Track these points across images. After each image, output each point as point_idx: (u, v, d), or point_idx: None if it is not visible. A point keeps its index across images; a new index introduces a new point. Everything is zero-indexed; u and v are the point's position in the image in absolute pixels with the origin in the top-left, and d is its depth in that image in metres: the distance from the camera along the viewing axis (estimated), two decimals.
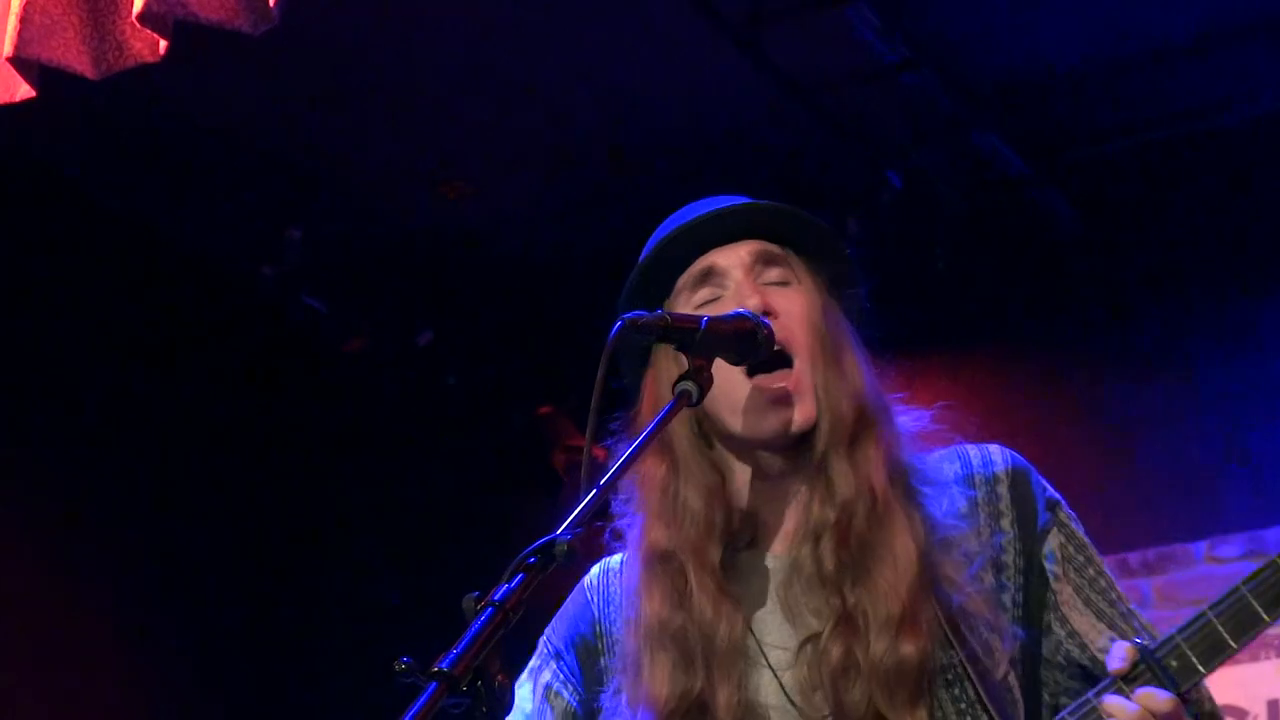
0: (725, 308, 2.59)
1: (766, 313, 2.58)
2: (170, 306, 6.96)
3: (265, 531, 7.30)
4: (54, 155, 6.48)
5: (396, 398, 7.53)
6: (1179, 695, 2.41)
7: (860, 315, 2.73)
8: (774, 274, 2.67)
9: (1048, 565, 2.64)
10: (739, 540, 2.64)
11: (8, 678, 6.29)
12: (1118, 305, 6.78)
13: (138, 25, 3.92)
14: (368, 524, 7.61)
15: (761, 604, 2.60)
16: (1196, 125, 6.40)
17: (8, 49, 3.92)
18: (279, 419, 7.39)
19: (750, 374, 2.57)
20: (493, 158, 6.60)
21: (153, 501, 6.90)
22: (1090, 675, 2.60)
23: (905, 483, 2.61)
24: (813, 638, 2.55)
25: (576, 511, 2.21)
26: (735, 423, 2.61)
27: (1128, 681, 2.44)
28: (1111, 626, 2.63)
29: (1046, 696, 2.64)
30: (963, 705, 2.53)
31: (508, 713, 2.05)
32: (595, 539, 2.66)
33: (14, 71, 4.01)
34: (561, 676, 2.70)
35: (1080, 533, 2.70)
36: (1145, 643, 2.46)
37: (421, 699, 1.96)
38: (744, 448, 2.64)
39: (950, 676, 2.53)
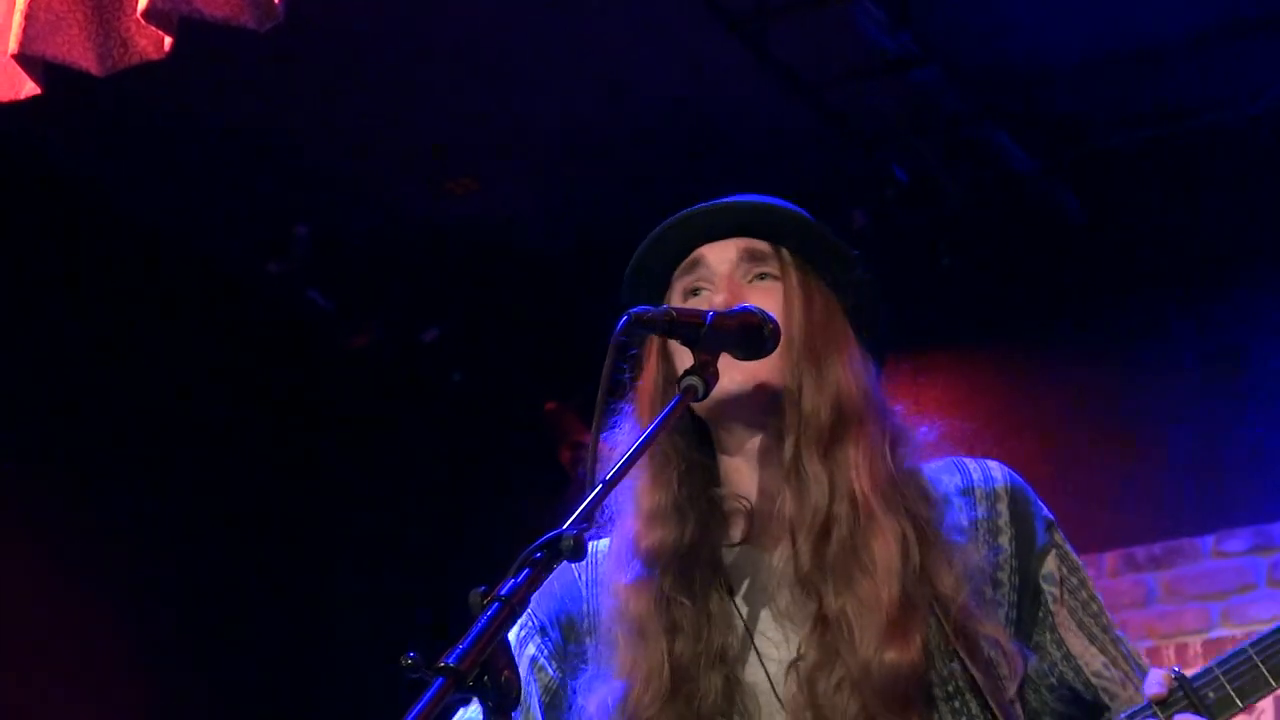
0: (703, 301, 2.64)
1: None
2: (175, 303, 6.96)
3: (269, 528, 7.31)
4: (58, 153, 6.48)
5: (402, 394, 7.54)
6: None
7: (868, 320, 2.72)
8: (758, 270, 2.68)
9: (1045, 586, 2.64)
10: (729, 536, 2.64)
11: (17, 681, 6.29)
12: (1123, 300, 6.77)
13: (143, 22, 3.92)
14: (373, 520, 7.62)
15: (752, 602, 2.60)
16: (1202, 120, 6.40)
17: (13, 46, 3.92)
18: (284, 415, 7.40)
19: None
20: (498, 154, 6.60)
21: (157, 499, 6.90)
22: (1080, 699, 2.61)
23: (897, 490, 2.58)
24: (801, 657, 2.54)
25: (582, 507, 2.21)
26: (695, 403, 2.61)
27: (1164, 707, 2.45)
28: (1103, 651, 2.63)
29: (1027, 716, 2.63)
30: (964, 719, 2.52)
31: (514, 707, 2.05)
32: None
33: (19, 69, 4.01)
34: (546, 651, 2.68)
35: (1074, 555, 2.70)
36: (1183, 671, 2.48)
37: (428, 694, 1.96)
38: (721, 426, 2.65)
39: (951, 689, 2.52)
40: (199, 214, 6.83)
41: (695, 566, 2.59)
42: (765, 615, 2.59)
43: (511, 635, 2.62)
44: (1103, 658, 2.62)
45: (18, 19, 3.90)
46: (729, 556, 2.63)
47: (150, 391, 6.89)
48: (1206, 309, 6.64)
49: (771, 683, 2.54)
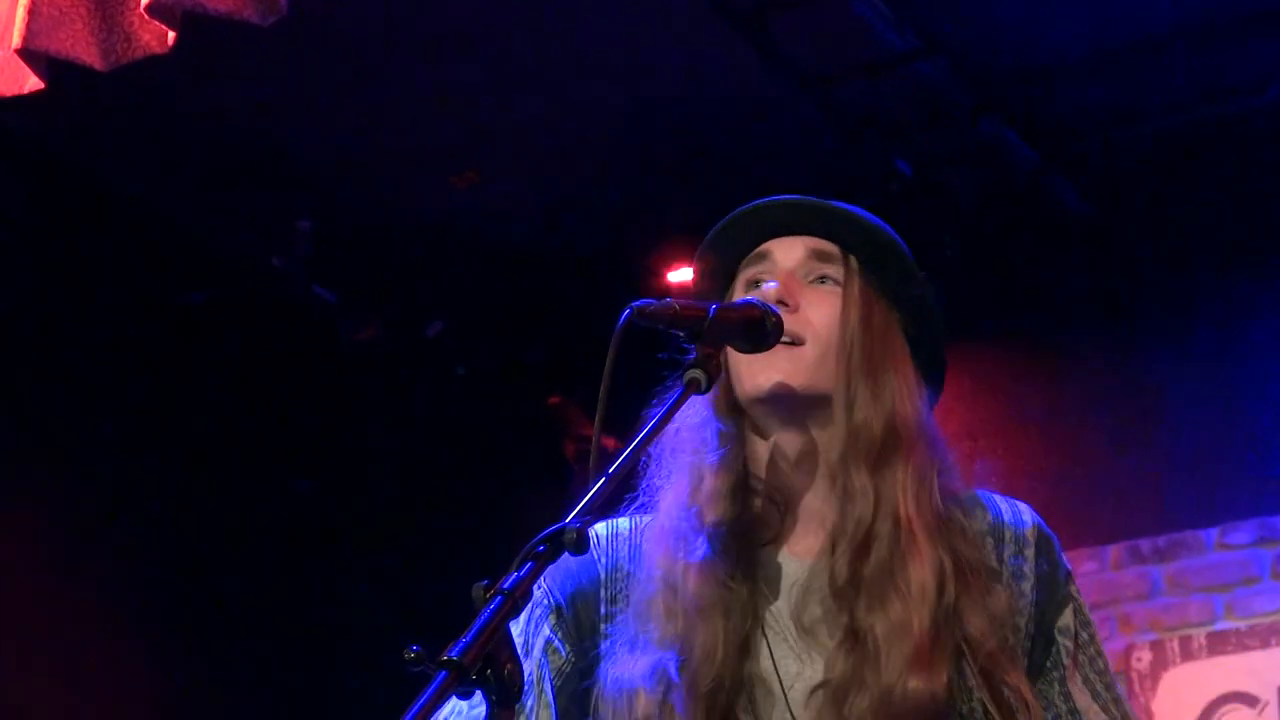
0: (759, 293, 2.63)
1: (782, 302, 2.59)
2: (178, 297, 6.97)
3: (273, 523, 7.31)
4: (61, 147, 6.48)
5: (406, 388, 7.54)
6: None
7: (928, 344, 2.71)
8: (821, 272, 2.67)
9: (1060, 639, 2.61)
10: (763, 535, 2.62)
11: (19, 680, 6.30)
12: (1127, 293, 6.77)
13: (146, 17, 3.93)
14: (376, 515, 7.62)
15: (774, 606, 2.59)
16: (1207, 112, 6.40)
17: (16, 41, 3.92)
18: (288, 409, 7.40)
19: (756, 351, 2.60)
20: (502, 148, 6.60)
21: (160, 493, 6.91)
22: None
23: (940, 522, 2.57)
24: (820, 653, 2.54)
25: (585, 500, 2.21)
26: (739, 389, 2.62)
27: None
28: (1105, 710, 2.60)
29: None
30: None
31: (517, 700, 2.05)
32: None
33: (22, 64, 4.02)
34: (561, 632, 2.65)
35: (1087, 610, 2.68)
36: None
37: (430, 687, 1.96)
38: (758, 420, 2.64)
39: None
40: (202, 208, 6.83)
41: (744, 554, 2.59)
42: (788, 622, 2.58)
43: (530, 605, 2.59)
44: (1104, 716, 2.60)
45: (21, 14, 3.91)
46: (761, 554, 2.62)
47: (153, 386, 6.90)
48: (1211, 301, 6.64)
49: (784, 692, 2.53)
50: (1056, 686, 2.60)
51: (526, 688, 2.57)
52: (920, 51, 6.04)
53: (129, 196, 6.74)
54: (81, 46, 3.96)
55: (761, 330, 2.51)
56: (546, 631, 2.66)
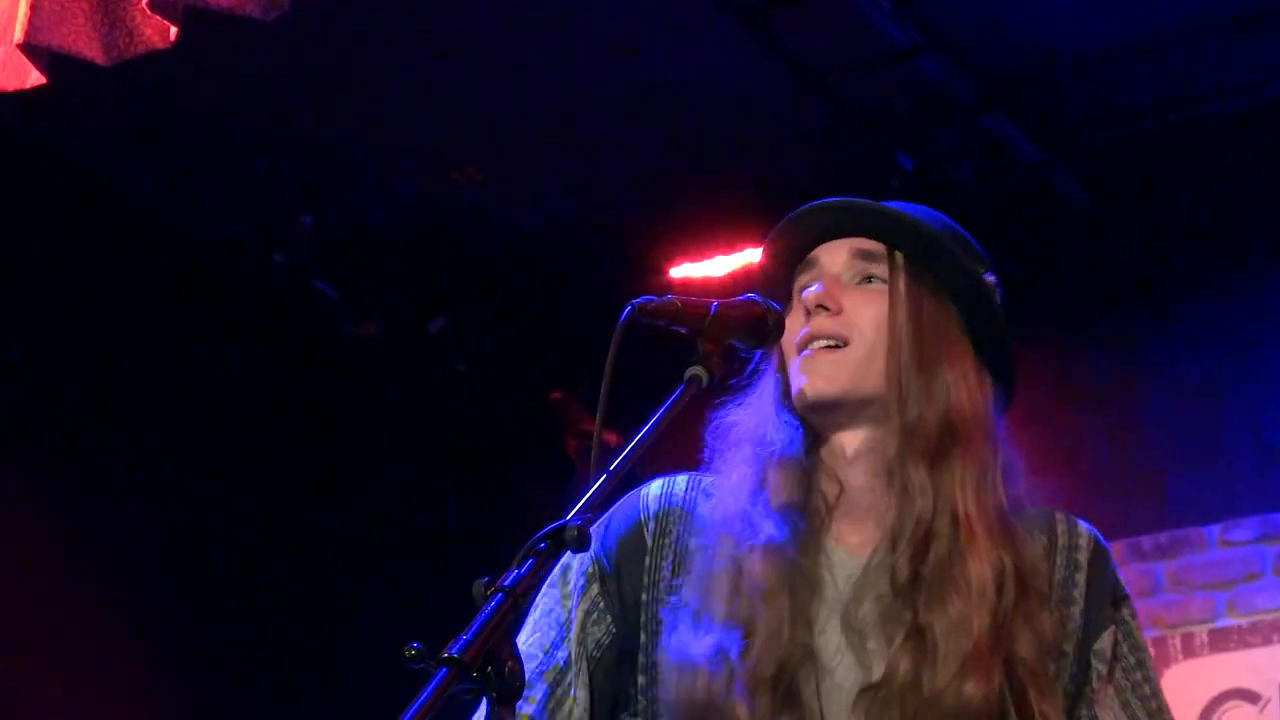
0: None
1: (822, 306, 2.61)
2: (180, 293, 6.96)
3: (273, 518, 7.31)
4: (63, 142, 6.48)
5: (407, 384, 7.54)
6: None
7: (989, 336, 2.68)
8: (866, 272, 2.67)
9: (1095, 662, 2.58)
10: (817, 526, 2.61)
11: (26, 680, 6.30)
12: (1131, 290, 6.77)
13: (148, 12, 3.93)
14: (377, 509, 7.62)
15: (824, 599, 2.57)
16: (1211, 109, 6.39)
17: (18, 36, 3.93)
18: (289, 405, 7.40)
19: (799, 352, 2.62)
20: (504, 144, 6.60)
21: (161, 488, 6.90)
22: None
23: (1002, 522, 2.55)
24: (871, 648, 2.52)
25: (587, 497, 2.21)
26: (797, 402, 2.63)
27: None
28: None
29: None
30: None
31: (518, 698, 2.05)
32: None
33: (24, 59, 4.02)
34: (605, 601, 2.64)
35: (1138, 633, 2.64)
36: None
37: (431, 685, 1.96)
38: (811, 421, 2.64)
39: None
40: (204, 204, 6.83)
41: (812, 528, 2.59)
42: (834, 618, 2.56)
43: (574, 566, 2.64)
44: None
45: (23, 9, 3.91)
46: (818, 547, 2.61)
47: (155, 382, 6.89)
48: (1213, 298, 6.64)
49: (819, 693, 2.52)
50: (1084, 710, 2.57)
51: (565, 661, 2.61)
52: (922, 47, 6.03)
53: (130, 192, 6.74)
54: (84, 41, 3.97)
55: (763, 326, 2.52)
56: (587, 604, 2.64)
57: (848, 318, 2.62)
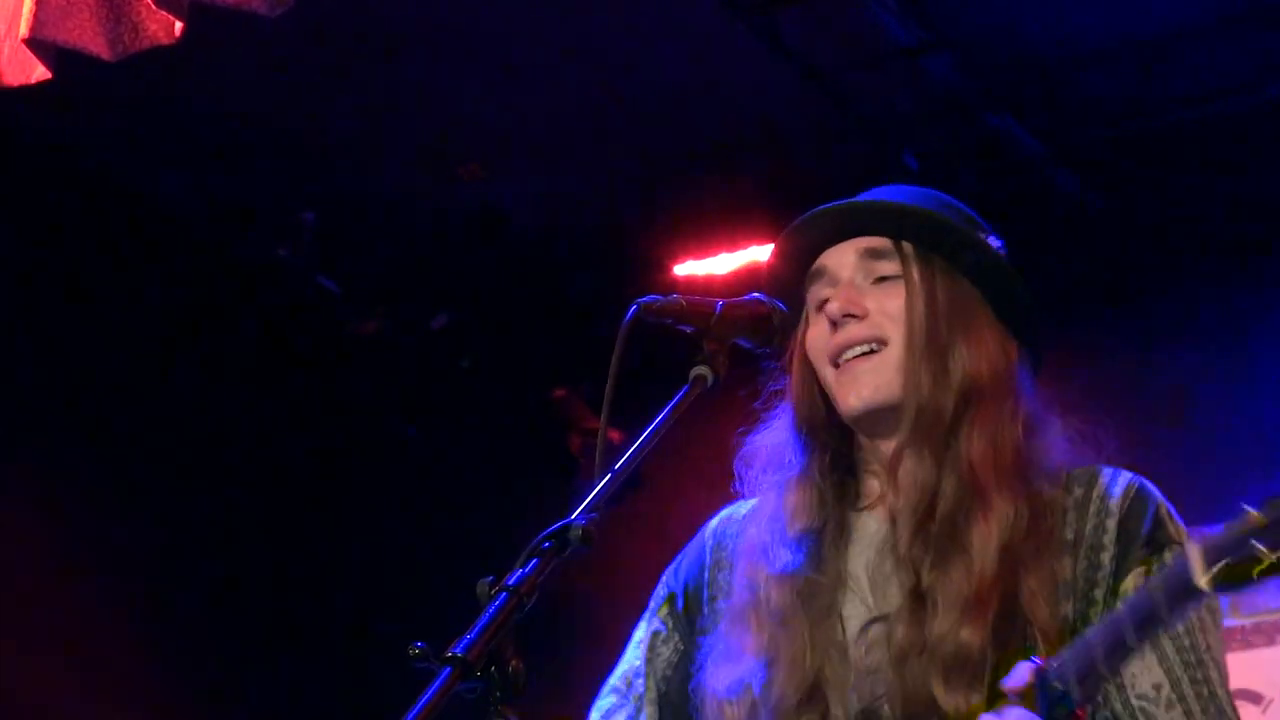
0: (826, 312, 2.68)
1: (849, 315, 2.64)
2: (184, 288, 6.96)
3: (278, 515, 7.31)
4: (68, 137, 6.48)
5: (411, 381, 7.53)
6: (1062, 714, 2.32)
7: (1008, 300, 2.73)
8: (882, 268, 2.70)
9: (1119, 603, 2.51)
10: (861, 502, 2.69)
11: (37, 677, 6.30)
12: (1135, 287, 6.76)
13: (153, 7, 3.93)
14: (381, 507, 7.62)
15: (857, 564, 2.64)
16: (1212, 107, 6.38)
17: (24, 31, 3.92)
18: (293, 401, 7.40)
19: (838, 365, 2.66)
20: (506, 141, 6.59)
21: (167, 484, 6.90)
22: None
23: (1020, 471, 2.59)
24: (882, 617, 2.57)
25: (591, 496, 2.21)
26: (840, 408, 2.68)
27: (1023, 699, 2.36)
28: (1168, 674, 2.51)
29: None
30: None
31: (521, 697, 2.05)
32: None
33: (30, 53, 4.02)
34: (672, 621, 2.73)
35: None
36: (1045, 664, 2.35)
37: (435, 684, 1.96)
38: (855, 426, 2.70)
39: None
40: (208, 199, 6.83)
41: (829, 543, 2.64)
42: (864, 579, 2.63)
43: (657, 592, 2.78)
44: (1162, 678, 2.50)
45: (29, 4, 3.91)
46: (856, 519, 2.68)
47: (158, 376, 6.89)
48: (1220, 295, 6.63)
49: (847, 643, 2.58)
50: None
51: (635, 679, 2.72)
52: (927, 45, 6.03)
53: (134, 187, 6.74)
54: (89, 37, 3.96)
55: (768, 326, 2.53)
56: (656, 623, 2.75)
57: (876, 319, 2.65)
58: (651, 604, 2.78)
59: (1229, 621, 6.35)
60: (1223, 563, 2.17)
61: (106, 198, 6.70)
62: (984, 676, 2.47)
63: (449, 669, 1.98)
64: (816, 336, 2.68)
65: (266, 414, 7.29)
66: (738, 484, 2.76)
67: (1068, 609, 2.53)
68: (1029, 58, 6.23)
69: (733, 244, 6.76)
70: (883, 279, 2.69)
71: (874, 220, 2.71)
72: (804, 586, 2.60)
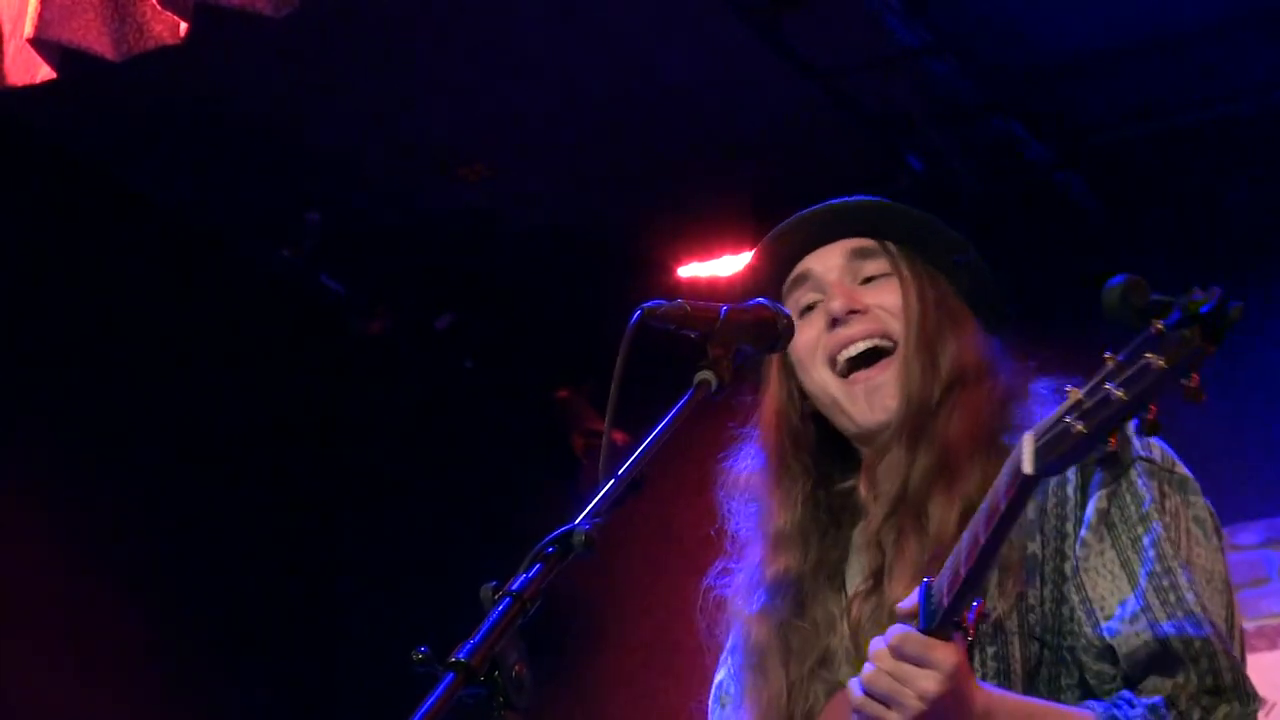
0: (819, 314, 2.71)
1: (852, 311, 2.66)
2: (188, 288, 6.96)
3: (281, 516, 7.30)
4: (72, 137, 6.48)
5: (415, 381, 7.53)
6: (941, 629, 2.29)
7: (983, 297, 2.79)
8: (870, 268, 2.73)
9: (1081, 531, 2.55)
10: (852, 491, 2.73)
11: (36, 674, 6.30)
12: None
13: (158, 7, 3.94)
14: (384, 507, 7.61)
15: (852, 550, 2.69)
16: (1218, 110, 6.38)
17: (29, 30, 3.93)
18: (297, 401, 7.40)
19: (844, 374, 2.68)
20: (511, 140, 6.59)
21: (170, 483, 6.90)
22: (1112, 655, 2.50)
23: (989, 443, 2.61)
24: (858, 594, 2.63)
25: (595, 501, 2.21)
26: (834, 415, 2.70)
27: (912, 619, 2.35)
28: (1155, 589, 2.47)
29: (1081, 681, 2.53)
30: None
31: (526, 702, 2.04)
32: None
33: (35, 53, 4.02)
34: (731, 672, 2.78)
35: (1150, 491, 2.57)
36: (932, 580, 2.33)
37: (438, 689, 1.96)
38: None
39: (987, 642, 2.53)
40: (212, 199, 6.83)
41: (820, 571, 2.68)
42: (857, 566, 2.68)
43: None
44: (1137, 603, 2.47)
45: (34, 4, 3.92)
46: (859, 535, 2.71)
47: (162, 376, 6.89)
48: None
49: (847, 633, 2.62)
50: (1070, 582, 2.52)
51: None
52: (931, 47, 6.02)
53: (138, 187, 6.73)
54: (93, 36, 3.97)
55: (773, 331, 2.52)
56: (722, 675, 2.82)
57: (876, 313, 2.69)
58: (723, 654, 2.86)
59: None
60: (1042, 441, 2.16)
61: (108, 196, 6.69)
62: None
63: (452, 674, 1.97)
64: (808, 339, 2.68)
65: (269, 414, 7.29)
66: (723, 515, 2.80)
67: (1034, 546, 2.54)
68: (1034, 60, 6.22)
69: (736, 246, 6.75)
70: (870, 278, 2.72)
71: (858, 221, 2.74)
72: (778, 623, 2.65)
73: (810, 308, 2.72)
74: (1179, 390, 2.04)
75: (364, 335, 7.28)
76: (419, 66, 6.17)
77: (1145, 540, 2.51)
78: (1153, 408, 2.06)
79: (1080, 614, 2.50)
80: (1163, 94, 6.37)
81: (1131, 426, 2.53)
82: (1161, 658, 2.43)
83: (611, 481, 2.25)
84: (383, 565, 7.51)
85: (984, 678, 2.46)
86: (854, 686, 2.33)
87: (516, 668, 2.02)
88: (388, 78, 6.22)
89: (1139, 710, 2.39)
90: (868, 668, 2.30)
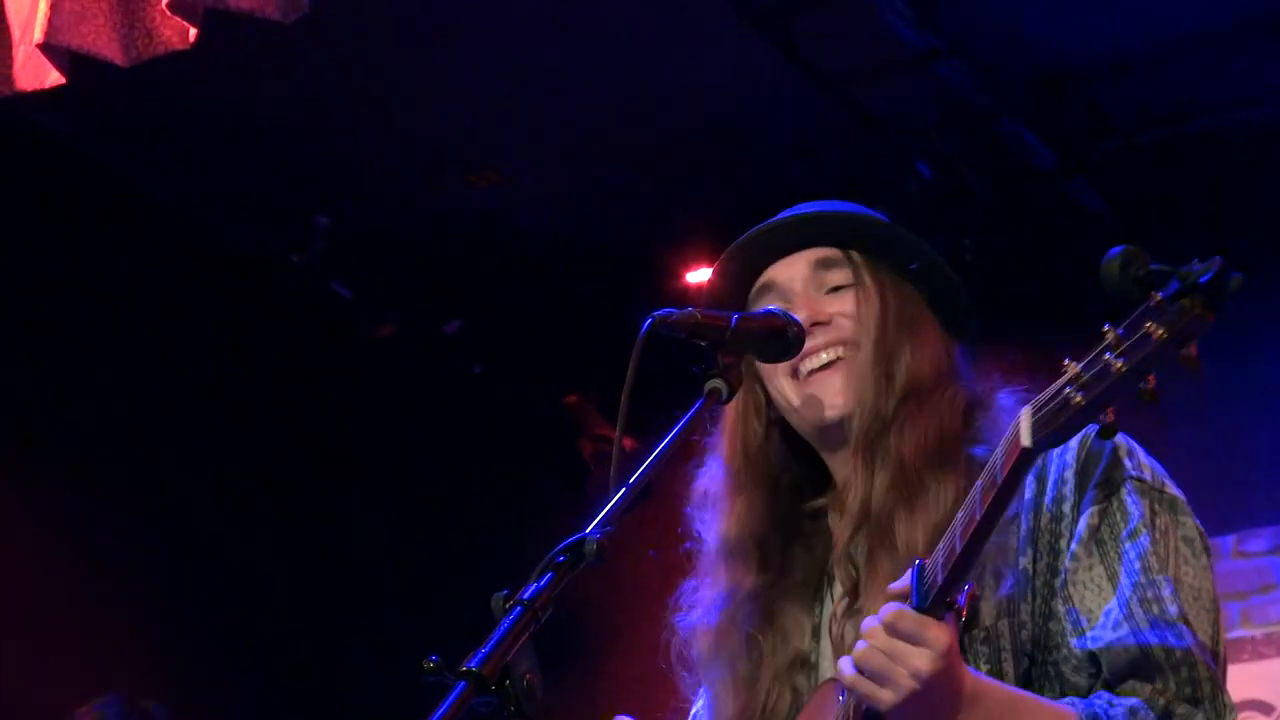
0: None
1: (817, 321, 2.65)
2: (197, 293, 6.96)
3: (287, 520, 7.31)
4: (82, 142, 6.48)
5: (424, 385, 7.53)
6: (935, 608, 2.29)
7: (947, 302, 2.76)
8: (834, 278, 2.73)
9: (1072, 546, 2.53)
10: (820, 508, 2.73)
11: (34, 673, 6.30)
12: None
13: (168, 13, 3.93)
14: (392, 512, 7.62)
15: (826, 568, 2.69)
16: (1227, 117, 6.37)
17: (38, 36, 3.93)
18: (306, 406, 7.40)
19: (798, 376, 2.67)
20: (520, 146, 6.59)
21: (178, 486, 6.90)
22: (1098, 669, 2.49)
23: (952, 454, 2.59)
24: (835, 609, 2.64)
25: (606, 510, 2.21)
26: (792, 419, 2.70)
27: (904, 599, 2.34)
28: (1139, 602, 2.46)
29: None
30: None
31: (537, 710, 2.04)
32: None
33: (44, 59, 4.02)
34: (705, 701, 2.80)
35: (1132, 505, 2.55)
36: (925, 561, 2.33)
37: (449, 698, 1.95)
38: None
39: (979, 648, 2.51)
40: (222, 204, 6.83)
41: (787, 583, 2.68)
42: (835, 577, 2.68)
43: None
44: (1119, 613, 2.46)
45: (44, 9, 3.92)
46: (822, 524, 2.74)
47: (171, 380, 6.89)
48: (1233, 304, 6.60)
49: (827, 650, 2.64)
50: (1059, 595, 2.51)
51: None
52: (940, 53, 6.02)
53: (147, 193, 6.74)
54: (103, 42, 3.97)
55: (784, 339, 2.53)
56: (699, 705, 2.82)
57: (840, 323, 2.68)
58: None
59: (1239, 632, 6.34)
60: (1040, 413, 2.16)
61: (118, 202, 6.70)
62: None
63: (463, 683, 1.97)
64: None
65: (278, 419, 7.29)
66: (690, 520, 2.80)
67: (1026, 561, 2.52)
68: (1042, 65, 6.22)
69: None
70: (836, 289, 2.72)
71: (823, 231, 2.74)
72: (735, 638, 2.68)
73: None
74: (1176, 361, 2.03)
75: (373, 340, 7.29)
76: (429, 72, 6.17)
77: (1132, 553, 2.51)
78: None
79: (1065, 625, 2.49)
80: (1173, 100, 6.36)
81: (1128, 445, 2.62)
82: (1142, 664, 2.43)
83: (622, 490, 2.25)
84: (392, 573, 7.51)
85: None
86: (845, 665, 2.33)
87: (527, 676, 2.02)
88: (397, 83, 6.22)
89: (1119, 710, 2.39)
90: (860, 645, 2.30)
